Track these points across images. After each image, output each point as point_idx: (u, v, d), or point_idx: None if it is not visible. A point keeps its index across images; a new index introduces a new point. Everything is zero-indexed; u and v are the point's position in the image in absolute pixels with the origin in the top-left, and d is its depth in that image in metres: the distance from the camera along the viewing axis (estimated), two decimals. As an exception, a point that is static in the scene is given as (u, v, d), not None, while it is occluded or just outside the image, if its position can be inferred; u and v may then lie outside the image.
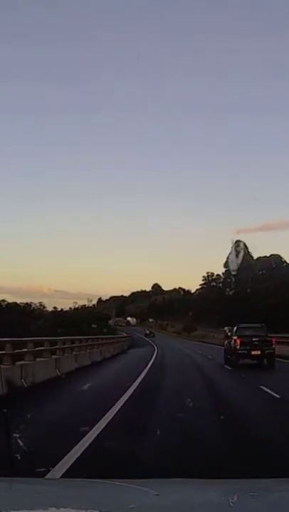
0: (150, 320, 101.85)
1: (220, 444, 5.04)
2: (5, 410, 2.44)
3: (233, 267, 79.00)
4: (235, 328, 17.67)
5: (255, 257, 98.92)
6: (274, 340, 16.89)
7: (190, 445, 4.94)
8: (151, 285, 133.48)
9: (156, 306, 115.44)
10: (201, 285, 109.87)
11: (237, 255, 70.93)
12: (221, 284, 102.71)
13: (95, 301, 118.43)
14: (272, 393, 8.91)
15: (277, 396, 8.70)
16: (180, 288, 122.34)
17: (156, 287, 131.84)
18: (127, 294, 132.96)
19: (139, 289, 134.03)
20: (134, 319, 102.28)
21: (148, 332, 66.93)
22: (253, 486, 1.82)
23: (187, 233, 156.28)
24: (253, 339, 16.39)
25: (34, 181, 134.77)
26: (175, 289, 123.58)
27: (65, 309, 66.72)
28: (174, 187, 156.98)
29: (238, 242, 70.13)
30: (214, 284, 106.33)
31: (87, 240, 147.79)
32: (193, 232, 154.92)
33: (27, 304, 56.16)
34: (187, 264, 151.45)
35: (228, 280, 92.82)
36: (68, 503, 1.53)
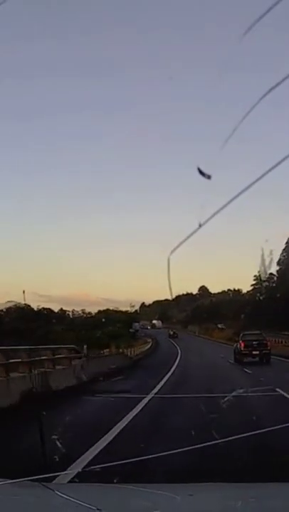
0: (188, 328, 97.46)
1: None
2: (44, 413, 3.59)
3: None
4: (241, 334, 26.89)
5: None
6: (269, 343, 26.22)
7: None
8: (198, 288, 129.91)
9: (202, 309, 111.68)
10: (252, 285, 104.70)
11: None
12: (274, 284, 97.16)
13: (137, 307, 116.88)
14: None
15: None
16: (229, 290, 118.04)
17: (203, 290, 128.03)
18: (171, 297, 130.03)
19: (184, 292, 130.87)
20: (160, 322, 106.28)
21: (172, 333, 70.52)
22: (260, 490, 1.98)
23: (237, 231, 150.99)
24: (253, 342, 24.71)
25: (78, 191, 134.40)
26: (224, 292, 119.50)
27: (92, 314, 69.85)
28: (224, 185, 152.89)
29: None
30: (267, 283, 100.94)
31: (131, 245, 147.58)
32: (244, 229, 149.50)
33: (61, 310, 62.32)
34: (237, 265, 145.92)
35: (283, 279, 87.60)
36: (93, 508, 1.59)
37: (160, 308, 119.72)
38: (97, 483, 2.12)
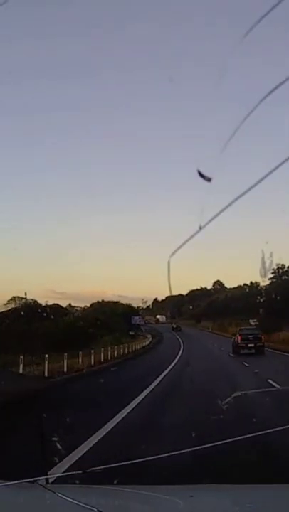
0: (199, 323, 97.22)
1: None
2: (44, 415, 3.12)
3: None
4: (238, 329, 31.42)
5: None
6: (263, 337, 29.56)
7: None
8: (213, 282, 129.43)
9: (217, 304, 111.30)
10: (270, 279, 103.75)
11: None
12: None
13: (150, 303, 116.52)
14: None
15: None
16: (245, 285, 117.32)
17: (218, 284, 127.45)
18: (185, 292, 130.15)
19: (198, 287, 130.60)
20: (164, 317, 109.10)
21: (175, 326, 76.72)
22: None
23: (253, 222, 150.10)
24: (249, 336, 28.90)
25: (88, 190, 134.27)
26: (240, 286, 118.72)
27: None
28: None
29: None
30: (286, 277, 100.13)
31: (145, 242, 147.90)
32: (259, 221, 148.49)
33: (70, 305, 60.91)
34: (255, 258, 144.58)
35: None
36: (93, 510, 1.62)
37: (173, 303, 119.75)
38: (97, 485, 2.15)
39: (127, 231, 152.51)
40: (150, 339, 51.67)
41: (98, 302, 61.05)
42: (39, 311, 47.45)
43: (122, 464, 2.06)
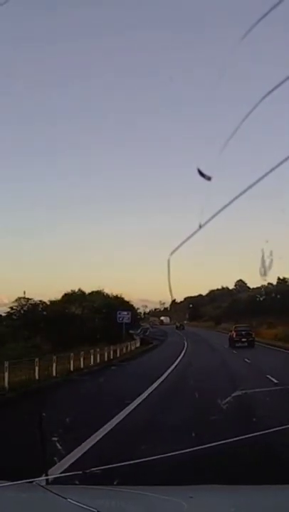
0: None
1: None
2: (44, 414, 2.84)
3: None
4: (233, 326, 40.12)
5: None
6: (254, 333, 38.70)
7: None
8: (234, 282, 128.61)
9: (240, 304, 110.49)
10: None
11: None
12: None
13: (167, 304, 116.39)
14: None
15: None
16: (270, 284, 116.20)
17: (240, 284, 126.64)
18: (205, 292, 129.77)
19: (219, 287, 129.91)
20: (168, 318, 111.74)
21: (178, 325, 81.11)
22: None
23: (275, 218, 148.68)
24: (242, 332, 37.72)
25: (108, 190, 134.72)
26: (263, 286, 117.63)
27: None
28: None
29: None
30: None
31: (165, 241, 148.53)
32: (281, 216, 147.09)
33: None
34: (283, 254, 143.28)
35: None
36: (93, 511, 1.70)
37: (191, 304, 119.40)
38: (97, 486, 2.22)
39: (145, 234, 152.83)
40: (137, 344, 44.03)
41: (73, 293, 49.91)
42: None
43: (122, 464, 2.18)
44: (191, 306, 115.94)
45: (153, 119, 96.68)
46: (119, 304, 47.87)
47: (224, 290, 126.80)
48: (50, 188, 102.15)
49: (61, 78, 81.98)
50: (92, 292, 52.11)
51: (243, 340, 37.08)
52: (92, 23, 67.29)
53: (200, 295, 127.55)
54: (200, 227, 1.75)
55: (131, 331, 47.42)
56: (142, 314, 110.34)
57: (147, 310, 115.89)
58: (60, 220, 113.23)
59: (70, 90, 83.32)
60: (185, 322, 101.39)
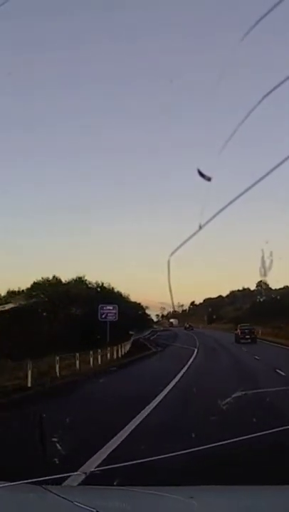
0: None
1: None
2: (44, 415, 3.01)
3: None
4: (238, 326, 48.15)
5: None
6: (255, 331, 46.76)
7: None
8: (256, 283, 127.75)
9: (263, 306, 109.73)
10: None
11: None
12: None
13: (186, 306, 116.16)
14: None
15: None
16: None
17: (262, 285, 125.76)
18: (225, 293, 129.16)
19: (240, 288, 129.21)
20: (177, 320, 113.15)
21: (187, 326, 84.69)
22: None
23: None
24: (246, 330, 45.72)
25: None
26: (287, 287, 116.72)
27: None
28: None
29: None
30: None
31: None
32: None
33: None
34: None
35: None
36: (93, 511, 1.73)
37: (210, 306, 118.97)
38: (98, 486, 2.27)
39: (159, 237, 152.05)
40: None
41: (48, 281, 39.94)
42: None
43: (122, 465, 2.26)
44: (210, 310, 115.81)
45: (153, 119, 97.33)
46: (113, 297, 39.75)
47: (245, 291, 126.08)
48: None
49: (60, 76, 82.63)
50: (72, 281, 41.17)
51: (247, 337, 44.56)
52: (92, 25, 67.77)
53: (220, 296, 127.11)
54: (200, 227, 1.82)
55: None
56: (160, 317, 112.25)
57: (165, 312, 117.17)
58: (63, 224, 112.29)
59: (69, 91, 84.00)
60: (200, 326, 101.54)
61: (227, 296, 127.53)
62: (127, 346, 35.16)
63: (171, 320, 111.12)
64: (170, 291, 1.79)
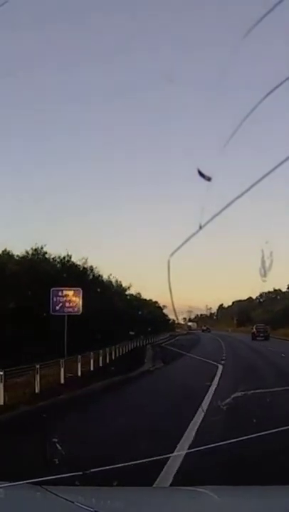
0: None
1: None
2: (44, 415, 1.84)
3: None
4: (255, 326, 62.63)
5: None
6: (268, 330, 57.96)
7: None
8: (287, 284, 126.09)
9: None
10: None
11: None
12: None
13: (214, 309, 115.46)
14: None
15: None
16: None
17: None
18: (255, 295, 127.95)
19: (271, 289, 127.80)
20: (195, 324, 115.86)
21: (205, 328, 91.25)
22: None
23: None
24: (261, 329, 57.48)
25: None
26: None
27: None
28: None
29: None
30: None
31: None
32: None
33: None
34: None
35: None
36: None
37: (239, 308, 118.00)
38: (97, 486, 2.32)
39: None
40: None
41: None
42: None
43: (122, 465, 2.33)
44: (239, 312, 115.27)
45: (153, 120, 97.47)
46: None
47: (277, 292, 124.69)
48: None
49: (61, 73, 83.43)
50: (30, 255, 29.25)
51: (261, 335, 53.95)
52: (91, 25, 68.05)
53: (249, 298, 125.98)
54: (200, 227, 1.90)
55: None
56: (188, 320, 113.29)
57: (192, 316, 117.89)
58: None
59: (70, 90, 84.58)
60: (230, 329, 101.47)
61: (256, 298, 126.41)
62: (110, 354, 24.58)
63: (189, 324, 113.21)
64: (170, 291, 1.86)
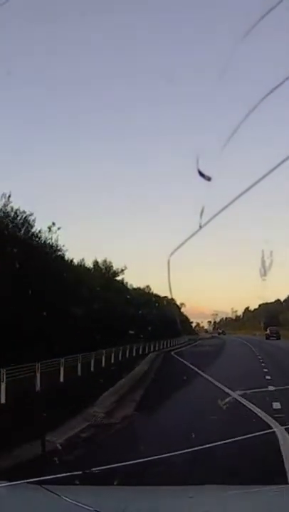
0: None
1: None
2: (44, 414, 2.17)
3: None
4: (268, 328, 77.17)
5: None
6: (279, 331, 72.25)
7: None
8: None
9: None
10: None
11: None
12: None
13: (240, 312, 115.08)
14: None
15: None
16: None
17: None
18: (283, 298, 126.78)
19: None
20: (211, 328, 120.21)
21: (220, 331, 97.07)
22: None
23: None
24: (273, 331, 72.79)
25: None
26: None
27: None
28: None
29: None
30: None
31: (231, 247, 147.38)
32: None
33: None
34: None
35: None
36: (92, 511, 1.84)
37: (267, 311, 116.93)
38: (97, 486, 2.37)
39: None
40: None
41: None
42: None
43: (122, 464, 2.39)
44: (262, 323, 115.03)
45: (153, 119, 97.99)
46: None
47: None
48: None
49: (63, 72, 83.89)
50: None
51: (273, 335, 65.63)
52: (90, 25, 68.13)
53: (277, 300, 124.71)
54: (200, 227, 1.97)
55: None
56: (213, 323, 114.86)
57: (218, 319, 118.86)
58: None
59: (70, 91, 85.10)
60: (257, 333, 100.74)
61: (285, 300, 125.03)
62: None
63: (206, 327, 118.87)
64: (170, 291, 1.94)
